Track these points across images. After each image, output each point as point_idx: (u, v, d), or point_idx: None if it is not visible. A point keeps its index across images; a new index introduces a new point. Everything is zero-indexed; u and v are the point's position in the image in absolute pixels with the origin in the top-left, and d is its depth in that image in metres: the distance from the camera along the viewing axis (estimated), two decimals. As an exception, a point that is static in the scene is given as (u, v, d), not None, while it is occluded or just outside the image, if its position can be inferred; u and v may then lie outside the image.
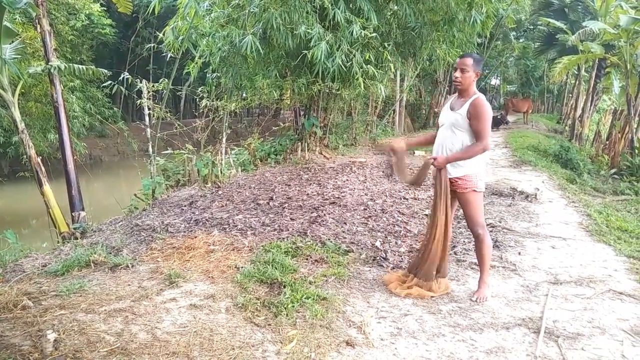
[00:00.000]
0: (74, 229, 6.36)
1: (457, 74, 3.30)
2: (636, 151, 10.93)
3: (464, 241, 4.81)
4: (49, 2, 12.60)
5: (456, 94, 3.44)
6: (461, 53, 3.48)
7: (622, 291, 3.66)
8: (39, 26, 7.07)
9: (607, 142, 12.48)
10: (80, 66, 7.56)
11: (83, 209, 7.10)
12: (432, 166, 3.40)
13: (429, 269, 3.48)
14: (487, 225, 5.27)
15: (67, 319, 3.02)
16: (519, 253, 4.54)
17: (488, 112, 3.23)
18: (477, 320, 3.17)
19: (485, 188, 7.00)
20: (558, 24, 15.51)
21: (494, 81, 34.69)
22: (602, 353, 2.79)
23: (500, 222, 5.57)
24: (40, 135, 12.52)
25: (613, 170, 10.50)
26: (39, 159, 6.98)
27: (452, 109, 3.39)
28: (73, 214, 7.00)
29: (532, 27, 24.00)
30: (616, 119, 12.84)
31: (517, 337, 2.97)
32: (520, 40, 25.29)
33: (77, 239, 5.59)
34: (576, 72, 19.04)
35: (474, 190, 3.37)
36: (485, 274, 3.52)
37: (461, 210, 3.59)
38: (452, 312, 3.29)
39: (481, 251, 3.46)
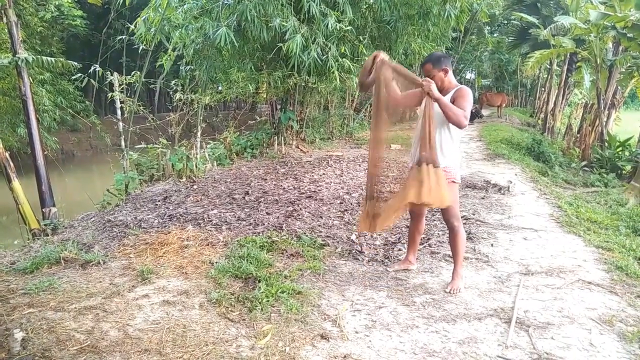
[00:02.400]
0: (45, 225, 6.20)
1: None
2: (606, 144, 11.21)
3: (438, 233, 4.86)
4: (16, -8, 12.22)
5: None
6: (423, 60, 3.46)
7: (591, 281, 3.75)
8: (5, 17, 6.84)
9: (578, 135, 12.74)
10: (49, 58, 7.34)
11: (54, 205, 6.93)
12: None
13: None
14: (462, 217, 5.35)
15: (36, 317, 2.95)
16: (492, 245, 4.61)
17: (470, 97, 3.27)
18: (450, 312, 3.21)
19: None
20: (531, 18, 15.75)
21: (469, 75, 35.09)
22: (571, 342, 2.86)
23: (473, 214, 5.65)
24: (8, 129, 12.17)
25: (584, 163, 10.73)
26: (7, 154, 6.77)
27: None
28: (43, 210, 6.83)
29: (505, 21, 24.33)
30: (587, 112, 13.13)
31: (489, 327, 3.02)
32: (494, 35, 25.68)
33: (47, 235, 5.46)
34: (548, 67, 19.40)
35: (453, 182, 3.42)
36: (458, 265, 3.57)
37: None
38: (426, 304, 3.32)
39: (455, 243, 3.51)
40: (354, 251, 4.33)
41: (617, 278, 3.79)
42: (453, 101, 3.25)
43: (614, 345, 2.83)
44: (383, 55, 3.35)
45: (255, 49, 8.62)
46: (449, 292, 3.48)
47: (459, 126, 3.24)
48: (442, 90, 3.32)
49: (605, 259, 4.23)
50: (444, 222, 3.66)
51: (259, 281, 3.48)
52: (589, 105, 13.50)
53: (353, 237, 4.72)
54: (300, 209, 5.64)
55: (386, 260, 4.15)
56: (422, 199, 3.18)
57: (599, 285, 3.68)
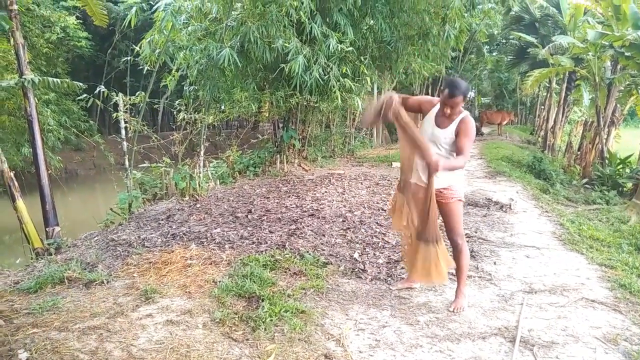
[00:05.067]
0: (48, 244, 6.22)
1: (448, 110, 3.21)
2: (606, 161, 11.24)
3: (441, 252, 4.86)
4: (23, 15, 12.43)
5: (439, 108, 3.32)
6: (452, 90, 3.28)
7: (594, 299, 3.75)
8: (12, 39, 6.96)
9: (579, 153, 12.79)
10: (54, 79, 7.44)
11: (57, 224, 6.96)
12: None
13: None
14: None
15: (40, 337, 2.95)
16: (495, 263, 4.61)
17: (474, 131, 3.27)
18: (454, 331, 3.21)
19: (462, 199, 7.09)
20: (529, 38, 15.94)
21: (469, 94, 35.33)
22: (576, 360, 2.85)
23: (476, 232, 5.66)
24: (13, 149, 12.24)
25: (585, 180, 10.75)
26: (12, 174, 6.82)
27: (437, 124, 3.33)
28: (47, 229, 6.85)
29: (504, 41, 24.60)
30: (587, 130, 13.19)
31: (494, 346, 3.01)
32: (493, 54, 25.91)
33: (51, 254, 5.47)
34: (547, 85, 19.55)
35: (459, 200, 3.44)
36: (462, 284, 3.57)
37: (439, 220, 3.64)
38: (430, 323, 3.32)
39: (460, 261, 3.51)
40: (356, 269, 4.33)
41: (621, 296, 3.79)
42: (457, 133, 3.24)
43: (619, 364, 2.82)
44: (394, 97, 3.21)
45: (258, 69, 8.74)
46: (453, 311, 3.48)
47: (463, 166, 3.33)
48: (452, 115, 3.26)
49: (609, 276, 4.23)
50: (447, 240, 3.67)
51: (263, 300, 3.49)
52: (589, 123, 13.57)
53: (356, 255, 4.72)
54: (303, 227, 5.65)
55: (389, 279, 4.15)
56: (432, 280, 3.35)
57: (603, 303, 3.67)
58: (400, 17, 8.84)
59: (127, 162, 7.44)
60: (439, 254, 3.35)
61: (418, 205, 3.40)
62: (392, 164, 11.36)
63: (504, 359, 2.86)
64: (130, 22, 7.61)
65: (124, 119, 7.40)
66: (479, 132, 18.46)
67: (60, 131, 13.31)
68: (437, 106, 3.36)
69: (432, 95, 22.55)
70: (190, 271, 4.16)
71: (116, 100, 7.36)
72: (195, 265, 4.31)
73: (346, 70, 8.09)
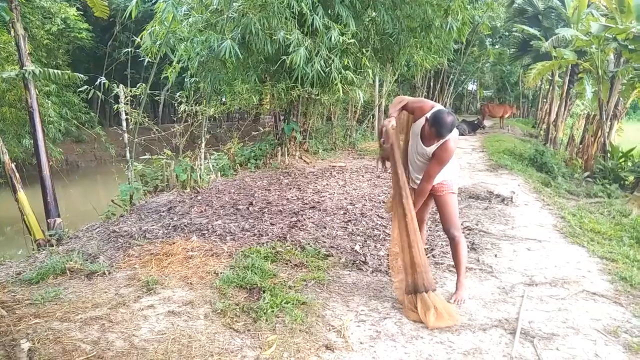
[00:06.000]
0: (50, 235, 6.24)
1: (434, 141, 3.24)
2: (608, 155, 11.21)
3: (441, 244, 4.86)
4: (23, 6, 12.37)
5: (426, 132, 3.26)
6: (440, 131, 3.21)
7: (595, 291, 3.75)
8: (12, 30, 6.94)
9: (581, 146, 12.74)
10: (55, 71, 7.42)
11: (59, 216, 6.97)
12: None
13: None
14: (465, 228, 5.38)
15: (42, 327, 2.97)
16: (496, 255, 4.62)
17: (449, 156, 3.26)
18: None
19: (463, 191, 7.11)
20: (532, 30, 15.83)
21: (471, 86, 35.13)
22: (576, 353, 2.86)
23: (477, 225, 5.65)
24: (14, 140, 12.24)
25: (586, 174, 10.72)
26: (13, 165, 6.82)
27: (422, 140, 3.32)
28: (48, 220, 6.86)
29: (507, 33, 24.44)
30: (589, 123, 13.13)
31: (494, 338, 3.02)
32: (496, 47, 25.75)
33: (52, 246, 5.49)
34: (550, 78, 19.45)
35: (452, 192, 3.47)
36: (461, 276, 3.58)
37: (437, 215, 3.65)
38: (431, 315, 3.31)
39: (457, 253, 3.52)
40: (357, 261, 4.34)
41: (622, 289, 3.79)
42: (434, 154, 3.26)
43: (620, 356, 2.83)
44: (390, 125, 3.35)
45: (259, 61, 8.70)
46: (454, 303, 3.48)
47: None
48: (431, 140, 3.24)
49: (609, 269, 4.23)
50: (445, 232, 3.67)
51: (264, 292, 3.50)
52: (591, 116, 13.51)
53: (357, 247, 4.73)
54: (304, 219, 5.66)
55: (390, 271, 4.15)
56: (430, 325, 3.13)
57: (603, 296, 3.68)
58: (403, 9, 8.79)
59: (128, 154, 7.43)
60: (431, 301, 3.23)
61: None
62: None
63: (505, 350, 2.86)
64: (131, 13, 7.56)
65: (125, 111, 7.38)
66: (481, 126, 18.40)
67: (61, 123, 13.31)
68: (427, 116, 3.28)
69: (434, 86, 22.54)
70: (192, 263, 4.18)
71: (117, 92, 7.34)
72: (196, 256, 4.32)
73: (348, 63, 8.06)
